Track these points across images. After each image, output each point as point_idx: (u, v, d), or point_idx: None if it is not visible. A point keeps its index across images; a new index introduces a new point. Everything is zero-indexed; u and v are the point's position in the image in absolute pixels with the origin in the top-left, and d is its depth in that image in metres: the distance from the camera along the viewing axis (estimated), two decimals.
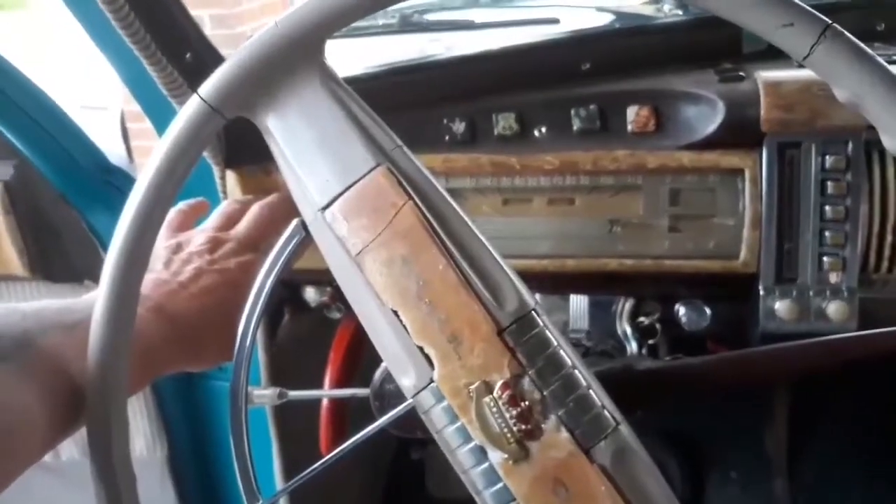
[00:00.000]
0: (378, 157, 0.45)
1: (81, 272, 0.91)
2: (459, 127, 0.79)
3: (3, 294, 0.95)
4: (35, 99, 0.87)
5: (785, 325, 0.73)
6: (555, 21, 0.87)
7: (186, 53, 0.72)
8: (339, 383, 0.87)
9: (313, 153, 0.45)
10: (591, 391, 0.42)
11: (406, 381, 0.44)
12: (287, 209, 0.67)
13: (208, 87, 0.45)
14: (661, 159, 0.74)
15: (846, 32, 0.38)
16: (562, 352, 0.43)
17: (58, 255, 0.90)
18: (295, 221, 0.47)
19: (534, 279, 0.77)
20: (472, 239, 0.44)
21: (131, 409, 1.00)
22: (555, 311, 0.87)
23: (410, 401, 0.44)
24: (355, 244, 0.44)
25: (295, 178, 0.46)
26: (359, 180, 0.44)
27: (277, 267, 0.48)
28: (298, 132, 0.46)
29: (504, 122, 0.79)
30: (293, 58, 0.45)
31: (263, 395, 0.56)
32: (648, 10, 0.84)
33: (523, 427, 0.41)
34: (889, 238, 0.72)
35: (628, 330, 0.83)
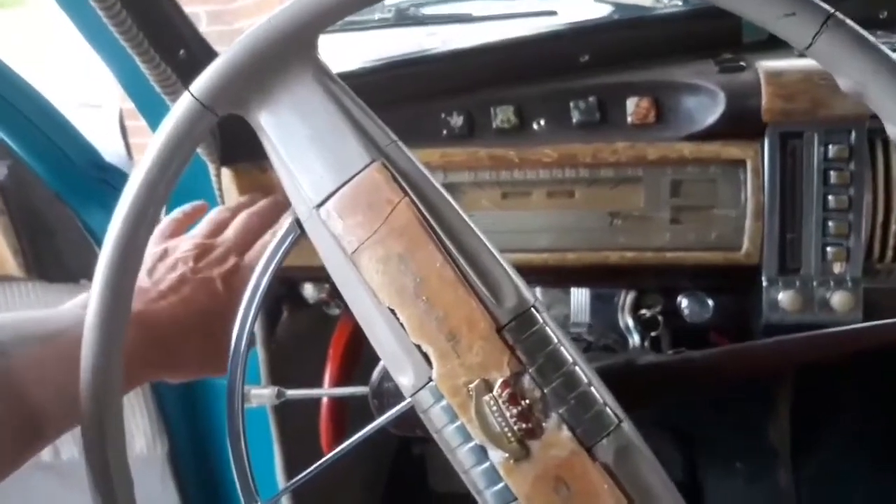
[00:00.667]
0: (372, 153, 0.44)
1: (77, 272, 0.90)
2: (457, 121, 0.78)
3: (0, 295, 0.94)
4: (27, 97, 0.86)
5: (788, 317, 0.72)
6: (552, 13, 0.86)
7: (180, 50, 0.71)
8: (339, 380, 0.87)
9: (307, 150, 0.45)
10: (592, 388, 0.42)
11: (404, 380, 0.43)
12: (275, 216, 0.67)
13: (200, 84, 0.44)
14: (662, 151, 0.74)
15: (848, 21, 0.37)
16: (562, 349, 0.42)
17: (53, 255, 0.89)
18: (290, 219, 0.47)
19: (534, 273, 0.76)
20: (469, 235, 0.44)
21: (130, 407, 1.00)
22: (556, 305, 0.86)
23: (409, 400, 0.43)
24: (351, 242, 0.43)
25: (289, 175, 0.45)
26: (353, 177, 0.44)
27: (273, 265, 0.47)
28: (291, 129, 0.45)
29: (502, 115, 0.78)
30: (286, 53, 0.44)
31: (261, 394, 0.56)
32: (647, 1, 0.83)
33: (524, 426, 0.40)
34: (893, 227, 0.71)
35: (630, 323, 0.82)
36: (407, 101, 0.78)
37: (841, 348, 0.62)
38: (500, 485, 0.41)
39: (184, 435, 1.04)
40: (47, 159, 0.87)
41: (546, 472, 0.40)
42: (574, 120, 0.77)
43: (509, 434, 0.40)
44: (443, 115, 0.79)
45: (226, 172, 0.79)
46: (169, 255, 0.62)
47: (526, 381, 0.41)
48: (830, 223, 0.71)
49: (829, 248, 0.71)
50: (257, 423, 0.89)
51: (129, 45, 0.66)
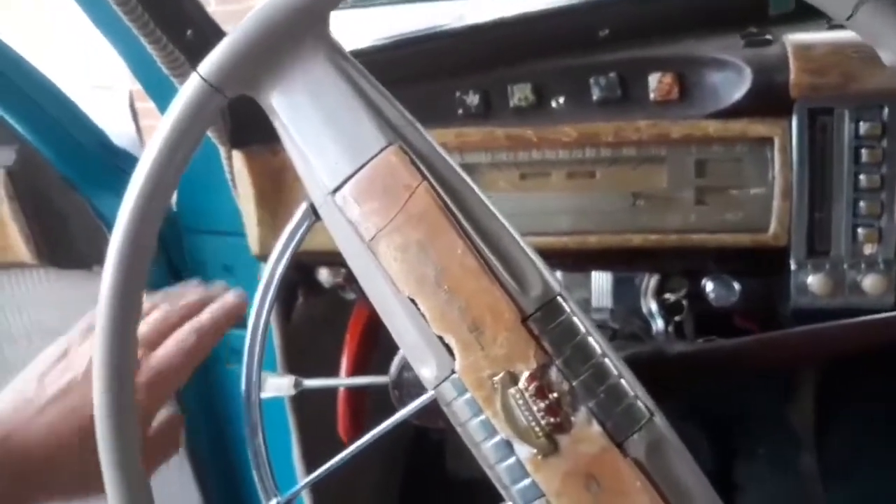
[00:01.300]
0: (389, 136, 0.42)
1: (89, 258, 0.89)
2: (473, 99, 0.76)
3: (12, 282, 0.93)
4: (35, 81, 0.84)
5: (818, 301, 0.70)
6: None
7: (187, 30, 0.69)
8: (356, 367, 0.85)
9: (321, 133, 0.43)
10: (622, 380, 0.40)
11: (426, 372, 0.41)
12: (198, 308, 0.59)
13: (208, 64, 0.42)
14: (686, 129, 0.71)
15: None
16: (591, 339, 0.40)
17: (65, 242, 0.88)
18: (304, 205, 0.45)
19: (554, 256, 0.74)
20: (491, 220, 0.42)
21: None
22: (576, 289, 0.85)
23: (431, 393, 0.42)
24: (368, 229, 0.42)
25: (302, 159, 0.44)
26: (369, 161, 0.42)
27: (288, 252, 0.45)
28: (304, 111, 0.43)
29: (520, 94, 0.76)
30: (297, 31, 0.42)
31: (279, 384, 0.54)
32: None
33: (552, 420, 0.39)
34: None
35: (654, 307, 0.80)
36: (420, 79, 0.76)
37: (875, 338, 0.60)
38: (528, 481, 0.39)
39: (200, 425, 1.03)
40: (56, 143, 0.86)
41: (576, 468, 0.38)
42: (594, 97, 0.74)
43: (537, 429, 0.39)
44: (458, 94, 0.76)
45: (237, 155, 0.77)
46: (70, 352, 0.54)
47: (553, 373, 0.39)
48: (862, 203, 0.68)
49: (859, 229, 0.69)
50: (274, 412, 0.88)
51: (134, 25, 0.64)
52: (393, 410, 0.47)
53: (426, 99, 0.75)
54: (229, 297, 0.60)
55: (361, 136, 0.42)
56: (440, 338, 0.40)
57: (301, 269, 0.89)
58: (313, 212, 0.45)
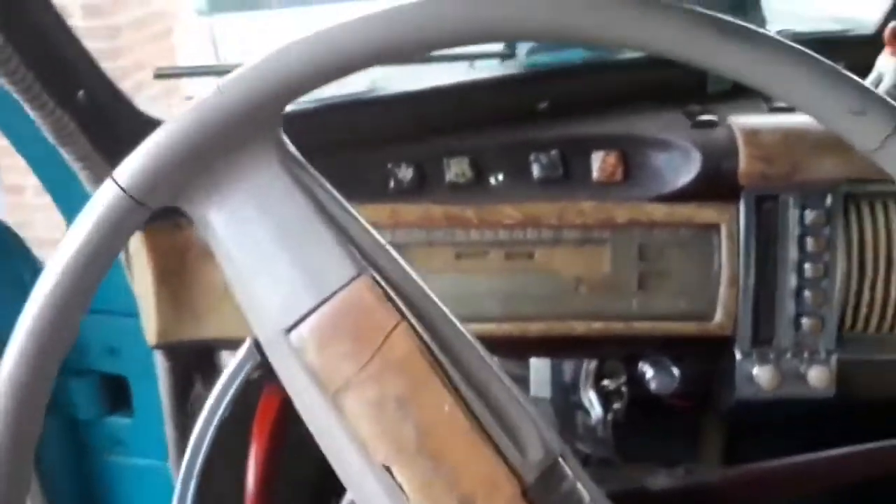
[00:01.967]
0: (359, 264, 0.35)
1: None
2: (406, 173, 0.70)
3: None
4: None
5: (763, 393, 0.68)
6: (510, 56, 0.79)
7: (77, 91, 0.58)
8: (266, 469, 0.75)
9: (273, 256, 0.35)
10: None
11: None
12: None
13: (127, 170, 0.34)
14: (631, 212, 0.68)
15: None
16: None
17: None
18: (247, 342, 0.37)
19: (493, 342, 0.68)
20: (480, 365, 0.35)
21: None
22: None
23: None
24: (332, 378, 0.34)
25: (245, 286, 0.36)
26: (335, 294, 0.34)
27: (224, 403, 0.37)
28: (251, 229, 0.35)
29: (456, 168, 0.70)
30: (242, 132, 0.35)
31: None
32: None
33: None
34: (867, 295, 0.68)
35: (592, 396, 0.76)
36: (346, 149, 0.69)
37: (876, 469, 0.58)
38: None
39: None
40: None
41: None
42: (535, 175, 0.70)
43: None
44: (389, 166, 0.70)
45: (135, 234, 0.67)
46: None
47: None
48: (806, 292, 0.67)
49: (804, 319, 0.68)
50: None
51: (14, 87, 0.54)
52: None
53: (353, 170, 0.68)
54: None
55: (325, 263, 0.35)
56: None
57: (199, 354, 0.78)
58: (258, 350, 0.36)
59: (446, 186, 0.70)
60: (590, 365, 0.77)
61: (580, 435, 0.77)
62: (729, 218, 0.67)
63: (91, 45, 0.60)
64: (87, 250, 0.34)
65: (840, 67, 0.31)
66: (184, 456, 0.79)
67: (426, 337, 0.34)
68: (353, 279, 0.34)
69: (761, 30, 0.32)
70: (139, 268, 0.68)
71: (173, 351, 0.73)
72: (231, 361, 0.37)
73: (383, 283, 0.35)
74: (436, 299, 0.36)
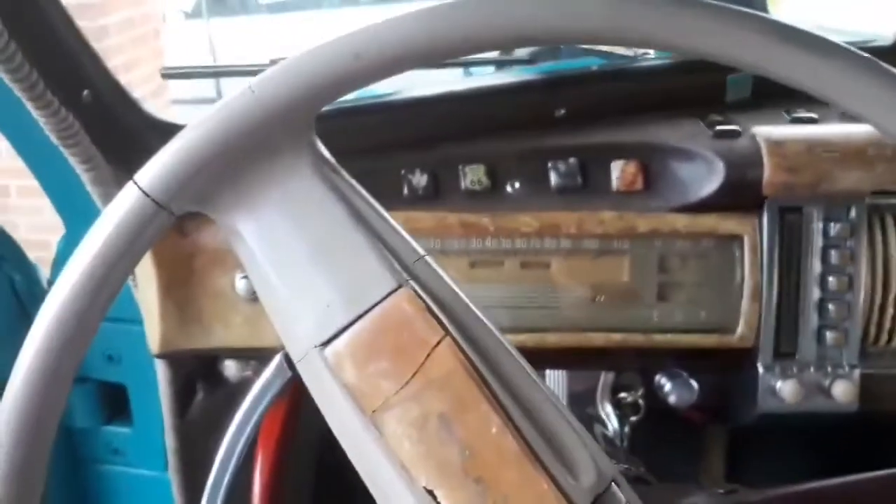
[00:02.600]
0: (398, 276, 0.33)
1: None
2: (420, 180, 0.68)
3: None
4: None
5: (785, 406, 0.66)
6: (529, 62, 0.77)
7: (83, 90, 0.56)
8: (272, 485, 0.73)
9: (306, 268, 0.33)
10: None
11: None
12: None
13: (149, 173, 0.32)
14: (653, 223, 0.66)
15: None
16: None
17: None
18: (277, 358, 0.34)
19: None
20: (528, 383, 0.33)
21: None
22: None
23: None
24: (371, 397, 0.32)
25: (277, 298, 0.33)
26: (373, 307, 0.32)
27: (252, 420, 0.35)
28: (283, 239, 0.33)
29: (472, 176, 0.68)
30: (273, 138, 0.33)
31: None
32: (628, 51, 0.76)
33: None
34: (890, 309, 0.67)
35: (609, 409, 0.74)
36: (361, 154, 0.66)
37: None
38: None
39: None
40: None
41: None
42: (553, 183, 0.68)
43: None
44: (403, 172, 0.68)
45: None
46: None
47: None
48: (830, 305, 0.66)
49: (827, 332, 0.66)
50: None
51: (18, 85, 0.51)
52: None
53: (368, 177, 0.66)
54: None
55: (362, 275, 0.33)
56: None
57: (202, 362, 0.76)
58: (289, 366, 0.34)
59: (462, 194, 0.68)
60: (607, 377, 0.75)
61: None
62: (752, 229, 0.66)
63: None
64: (107, 255, 0.32)
65: None
66: (183, 466, 0.77)
67: (471, 353, 0.32)
68: (393, 292, 0.32)
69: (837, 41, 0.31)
70: (143, 275, 0.65)
71: (176, 359, 0.71)
72: (260, 378, 0.35)
73: (424, 296, 0.33)
74: (479, 313, 0.34)
